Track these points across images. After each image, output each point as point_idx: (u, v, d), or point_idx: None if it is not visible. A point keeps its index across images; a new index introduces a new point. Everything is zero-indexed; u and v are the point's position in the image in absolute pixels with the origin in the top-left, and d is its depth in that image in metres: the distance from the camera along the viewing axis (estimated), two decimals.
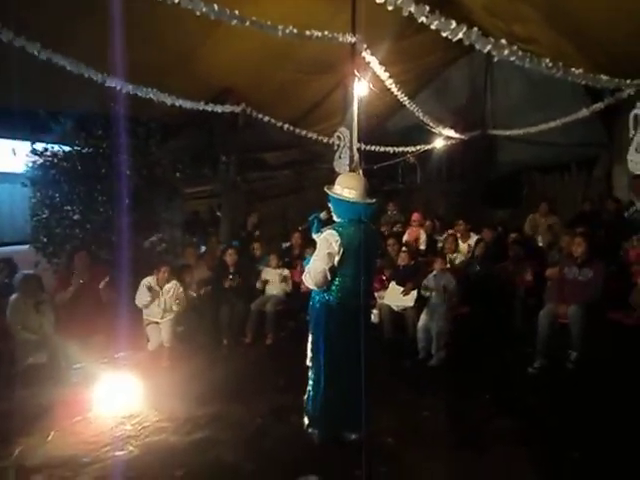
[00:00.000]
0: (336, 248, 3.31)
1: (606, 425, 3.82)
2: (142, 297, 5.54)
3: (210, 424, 4.00)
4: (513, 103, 10.54)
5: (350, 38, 6.14)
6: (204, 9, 4.08)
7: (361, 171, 7.11)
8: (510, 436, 3.75)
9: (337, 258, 3.33)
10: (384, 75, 7.18)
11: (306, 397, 3.65)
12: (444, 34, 3.81)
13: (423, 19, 3.66)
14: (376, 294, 6.26)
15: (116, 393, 4.30)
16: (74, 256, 5.58)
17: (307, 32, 5.56)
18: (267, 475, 3.30)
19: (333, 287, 3.42)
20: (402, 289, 5.89)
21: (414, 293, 5.87)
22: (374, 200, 3.49)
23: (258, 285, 6.45)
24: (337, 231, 3.34)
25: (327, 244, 3.33)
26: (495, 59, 4.39)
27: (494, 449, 3.58)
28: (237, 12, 4.55)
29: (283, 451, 3.53)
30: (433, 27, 3.75)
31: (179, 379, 4.95)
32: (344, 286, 3.40)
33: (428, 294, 5.54)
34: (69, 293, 5.39)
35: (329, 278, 3.38)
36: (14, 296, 5.17)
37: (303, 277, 3.62)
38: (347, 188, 3.41)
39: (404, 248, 6.55)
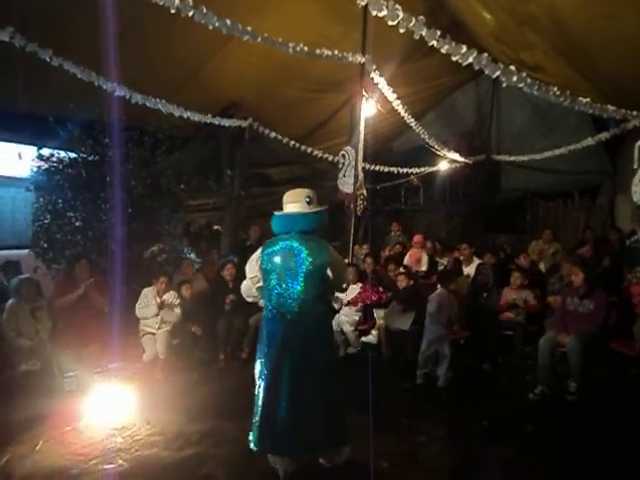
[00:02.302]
0: (254, 259, 3.35)
1: (606, 457, 3.75)
2: (145, 310, 5.51)
3: (202, 440, 3.94)
4: (518, 129, 10.62)
5: (360, 58, 6.21)
6: (217, 23, 4.11)
7: (365, 190, 7.14)
8: (507, 465, 3.67)
9: (256, 268, 3.32)
10: (391, 96, 7.23)
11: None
12: (454, 58, 3.83)
13: (434, 43, 3.68)
14: (375, 314, 6.22)
15: (108, 404, 4.24)
16: (75, 265, 5.55)
17: (317, 50, 5.62)
18: None
19: (266, 299, 3.34)
20: (401, 311, 5.87)
21: (411, 315, 5.82)
22: (311, 211, 3.27)
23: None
24: (265, 244, 3.34)
25: (254, 256, 3.38)
26: (504, 84, 4.39)
27: (492, 479, 3.52)
28: (249, 28, 4.60)
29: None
30: (444, 51, 3.77)
31: (173, 392, 4.90)
32: (273, 298, 3.27)
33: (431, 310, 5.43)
34: (72, 298, 5.35)
35: (253, 290, 3.43)
36: (11, 301, 5.13)
37: None
38: (289, 203, 3.34)
39: (402, 270, 6.52)
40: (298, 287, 3.19)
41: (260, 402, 3.27)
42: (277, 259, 3.22)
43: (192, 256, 7.74)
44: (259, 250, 3.34)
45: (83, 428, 4.06)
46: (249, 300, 3.59)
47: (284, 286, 3.21)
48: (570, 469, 3.61)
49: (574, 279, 5.14)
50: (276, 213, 3.35)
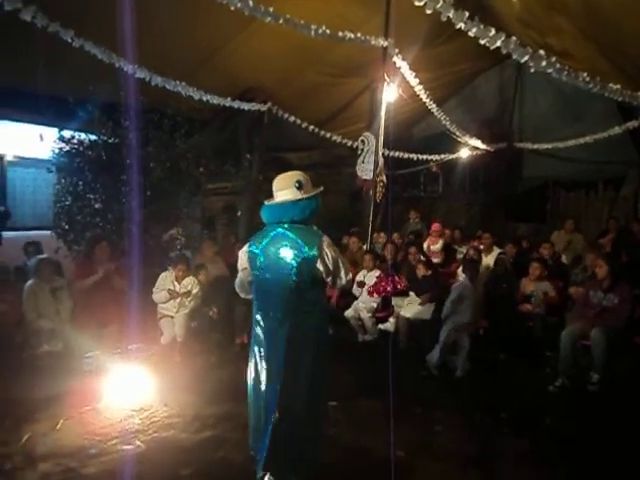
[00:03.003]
0: (244, 250, 3.10)
1: (625, 451, 3.68)
2: (161, 295, 5.53)
3: (219, 423, 3.96)
4: (541, 117, 10.42)
5: (382, 42, 6.10)
6: (239, 4, 4.05)
7: (385, 177, 7.06)
8: (524, 458, 3.63)
9: (245, 259, 3.07)
10: (414, 81, 7.10)
11: None
12: (482, 41, 3.73)
13: (462, 25, 3.58)
14: (393, 302, 6.18)
15: (127, 385, 4.28)
16: (95, 246, 5.55)
17: (340, 33, 5.52)
18: None
19: (254, 295, 3.12)
20: (419, 300, 5.84)
21: (431, 306, 5.78)
22: (301, 197, 2.93)
23: None
24: (254, 235, 3.09)
25: (244, 247, 3.13)
26: (532, 70, 4.27)
27: (507, 470, 3.48)
28: (271, 9, 4.53)
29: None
30: (471, 34, 3.66)
31: (190, 375, 4.93)
32: (260, 294, 3.06)
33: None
34: (91, 281, 5.38)
35: (245, 286, 3.20)
36: (30, 281, 5.18)
37: None
38: (278, 191, 3.01)
39: (422, 258, 6.45)
40: (287, 283, 2.88)
41: (249, 408, 3.13)
42: (266, 251, 2.94)
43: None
44: (247, 245, 3.09)
45: (102, 408, 4.10)
46: (242, 296, 3.31)
47: (272, 281, 2.93)
48: (588, 462, 3.55)
49: (598, 271, 5.00)
50: (266, 202, 3.07)
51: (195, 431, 3.84)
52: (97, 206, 6.00)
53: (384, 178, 6.94)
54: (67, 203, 6.04)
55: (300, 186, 2.94)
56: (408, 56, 6.81)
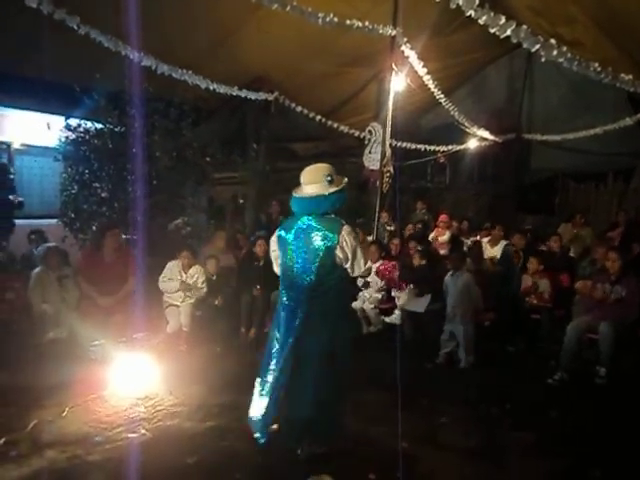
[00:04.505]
0: (275, 235, 3.36)
1: (632, 444, 3.66)
2: (168, 284, 5.52)
3: (224, 412, 3.95)
4: (551, 108, 10.32)
5: (390, 30, 6.03)
6: None
7: (392, 167, 7.01)
8: (529, 449, 3.61)
9: (275, 243, 3.35)
10: (422, 70, 7.03)
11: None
12: (492, 30, 3.66)
13: (472, 13, 3.52)
14: (394, 294, 6.13)
15: (132, 373, 4.28)
16: (106, 233, 5.44)
17: (347, 21, 5.46)
18: (278, 469, 3.23)
19: (280, 278, 3.36)
20: (417, 292, 5.80)
21: (427, 298, 5.73)
22: (333, 191, 3.10)
23: None
24: (283, 222, 3.34)
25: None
26: (542, 59, 4.20)
27: (512, 461, 3.46)
28: None
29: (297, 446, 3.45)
30: (481, 22, 3.60)
31: (196, 364, 4.93)
32: (284, 278, 3.29)
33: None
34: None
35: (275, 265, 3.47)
36: (37, 269, 5.20)
37: None
38: (307, 185, 3.16)
39: (418, 248, 6.38)
40: (310, 268, 3.10)
41: (269, 387, 3.27)
42: (295, 237, 3.16)
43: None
44: (276, 233, 3.35)
45: (107, 397, 4.11)
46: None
47: (296, 266, 3.15)
48: (594, 455, 3.53)
49: (610, 265, 4.89)
50: (295, 194, 3.21)
51: (200, 420, 3.85)
52: (103, 195, 5.99)
53: (391, 169, 6.90)
54: (73, 192, 6.04)
55: (332, 180, 3.09)
56: (417, 45, 6.73)
